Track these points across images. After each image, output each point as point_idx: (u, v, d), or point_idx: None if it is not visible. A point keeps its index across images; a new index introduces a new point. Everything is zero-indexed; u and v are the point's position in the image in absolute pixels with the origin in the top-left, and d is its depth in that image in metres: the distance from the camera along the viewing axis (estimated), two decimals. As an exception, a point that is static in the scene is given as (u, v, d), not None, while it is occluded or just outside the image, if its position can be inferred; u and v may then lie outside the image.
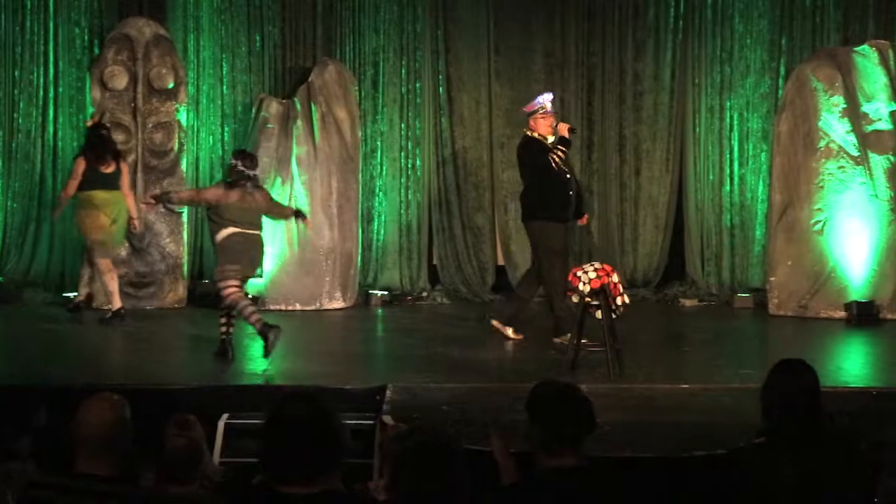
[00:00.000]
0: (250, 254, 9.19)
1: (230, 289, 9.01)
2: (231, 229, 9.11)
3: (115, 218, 10.98)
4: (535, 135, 10.05)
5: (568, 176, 10.03)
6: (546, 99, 10.15)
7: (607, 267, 8.88)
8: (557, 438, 4.20)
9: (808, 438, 4.53)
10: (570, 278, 8.88)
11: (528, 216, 10.18)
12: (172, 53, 12.00)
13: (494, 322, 10.21)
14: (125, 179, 11.12)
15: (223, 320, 9.21)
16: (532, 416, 4.29)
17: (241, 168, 9.14)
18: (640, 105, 13.07)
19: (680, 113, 13.04)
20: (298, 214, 9.82)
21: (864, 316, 11.26)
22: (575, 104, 13.02)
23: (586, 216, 10.70)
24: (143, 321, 11.14)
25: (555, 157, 9.93)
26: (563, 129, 10.06)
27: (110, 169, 10.98)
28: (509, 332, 10.10)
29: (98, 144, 10.99)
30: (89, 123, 11.48)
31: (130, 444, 4.15)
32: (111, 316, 10.78)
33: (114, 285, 10.90)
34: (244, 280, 9.25)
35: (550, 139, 10.01)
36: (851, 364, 10.03)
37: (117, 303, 10.85)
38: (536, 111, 10.06)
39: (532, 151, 10.09)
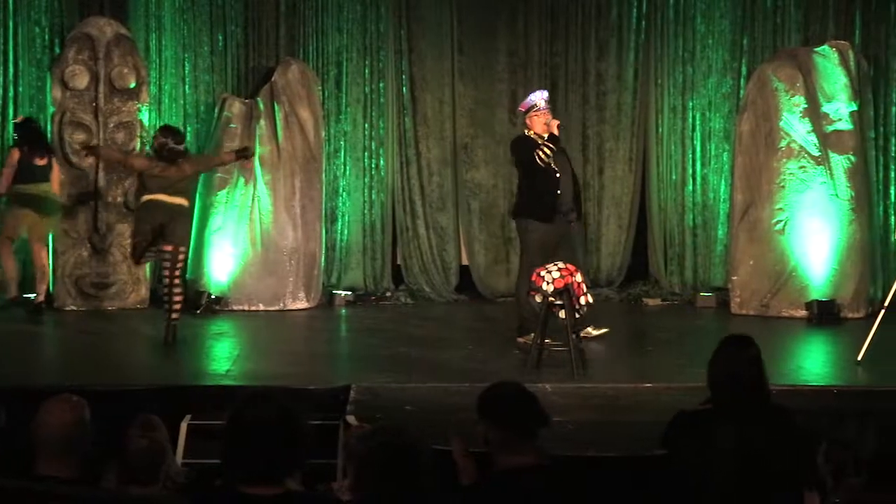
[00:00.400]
0: (158, 220, 9.26)
1: (136, 261, 9.22)
2: (145, 197, 9.23)
3: (46, 212, 11.14)
4: (531, 133, 10.04)
5: (557, 175, 9.94)
6: (538, 97, 10.15)
7: (571, 266, 8.90)
8: (513, 434, 4.23)
9: (750, 408, 4.70)
10: (533, 278, 8.90)
11: (514, 213, 10.35)
12: (134, 53, 11.93)
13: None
14: (56, 174, 11.27)
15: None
16: (483, 416, 4.32)
17: (173, 145, 9.20)
18: (603, 105, 13.10)
19: (643, 113, 13.08)
20: (240, 154, 9.88)
21: (824, 315, 11.33)
22: (538, 104, 13.03)
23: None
24: (104, 322, 11.09)
25: (541, 154, 9.85)
26: (554, 125, 10.02)
27: (43, 161, 11.13)
28: (591, 330, 10.07)
29: (33, 137, 11.20)
30: (18, 120, 11.51)
31: (91, 445, 4.13)
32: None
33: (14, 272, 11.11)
34: (159, 253, 9.36)
35: (547, 137, 9.99)
36: (812, 363, 10.10)
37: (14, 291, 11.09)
38: (530, 109, 10.07)
39: (518, 149, 10.14)
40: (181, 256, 9.76)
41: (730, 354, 4.89)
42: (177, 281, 9.65)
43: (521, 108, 10.31)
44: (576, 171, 10.61)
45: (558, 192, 9.94)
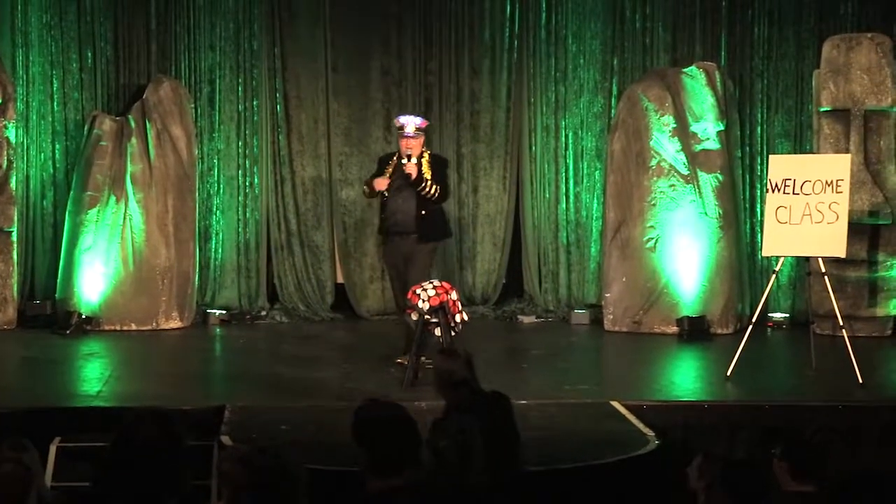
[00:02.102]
0: None
1: None
2: None
3: None
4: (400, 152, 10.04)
5: (386, 196, 9.91)
6: (406, 120, 10.06)
7: (446, 284, 8.95)
8: (386, 462, 4.22)
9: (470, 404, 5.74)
10: (409, 296, 8.91)
11: None
12: (0, 69, 11.70)
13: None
14: None
15: None
16: (358, 440, 4.31)
17: None
18: (477, 124, 13.19)
19: (516, 131, 13.20)
20: None
21: (695, 331, 11.53)
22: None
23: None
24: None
25: (388, 171, 9.93)
26: (411, 167, 9.81)
27: None
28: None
29: None
30: None
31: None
32: None
33: None
34: None
35: (404, 161, 9.86)
36: (683, 378, 10.27)
37: None
38: (399, 128, 10.07)
39: (377, 163, 10.33)
40: None
41: (445, 362, 6.21)
42: None
43: (395, 121, 10.36)
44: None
45: (393, 212, 9.90)
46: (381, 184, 9.94)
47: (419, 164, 9.84)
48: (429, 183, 9.84)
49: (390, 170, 9.97)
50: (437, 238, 10.16)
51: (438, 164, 10.11)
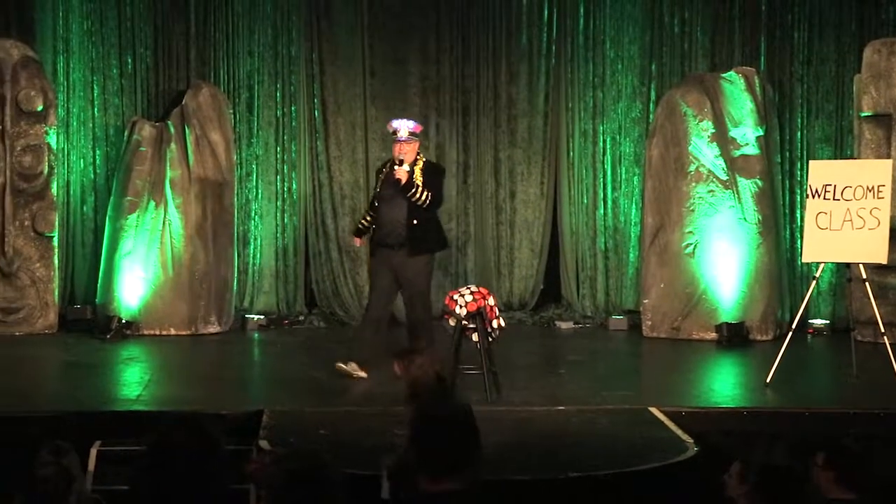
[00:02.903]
0: None
1: None
2: None
3: None
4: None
5: (376, 204, 9.57)
6: (399, 124, 9.57)
7: (483, 290, 8.92)
8: (440, 465, 4.18)
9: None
10: (447, 301, 8.90)
11: None
12: (41, 75, 11.78)
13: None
14: None
15: None
16: (415, 437, 4.25)
17: None
18: (514, 129, 13.18)
19: (554, 137, 13.18)
20: None
21: (734, 337, 11.47)
22: (450, 127, 13.09)
23: (359, 240, 10.06)
24: (12, 347, 10.91)
25: (380, 179, 9.59)
26: (402, 173, 9.35)
27: None
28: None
29: None
30: None
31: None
32: None
33: None
34: None
35: (397, 167, 9.44)
36: (722, 385, 10.21)
37: None
38: (393, 133, 9.60)
39: (376, 171, 10.04)
40: None
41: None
42: None
43: (388, 128, 9.83)
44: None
45: (379, 224, 9.51)
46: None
47: (411, 172, 9.38)
48: (419, 189, 9.34)
49: (382, 178, 9.59)
50: (429, 250, 9.56)
51: (433, 172, 9.61)
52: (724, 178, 11.73)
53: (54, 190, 11.83)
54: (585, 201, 13.11)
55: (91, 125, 12.54)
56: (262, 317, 12.49)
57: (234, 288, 12.28)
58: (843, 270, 10.88)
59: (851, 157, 11.81)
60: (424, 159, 9.65)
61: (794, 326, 9.74)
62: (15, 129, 11.62)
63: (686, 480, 6.89)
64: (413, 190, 9.34)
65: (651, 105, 12.82)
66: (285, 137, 12.85)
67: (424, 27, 13.04)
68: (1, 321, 11.54)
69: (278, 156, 12.85)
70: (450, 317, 8.82)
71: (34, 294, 11.66)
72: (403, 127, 9.50)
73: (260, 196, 12.82)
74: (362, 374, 9.40)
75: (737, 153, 11.79)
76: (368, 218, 9.77)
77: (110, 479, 6.69)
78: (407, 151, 9.43)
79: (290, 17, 12.80)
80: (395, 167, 9.40)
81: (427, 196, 9.36)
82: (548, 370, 10.58)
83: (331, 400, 8.70)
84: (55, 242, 11.84)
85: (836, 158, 12.23)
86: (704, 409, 8.46)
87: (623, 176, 13.05)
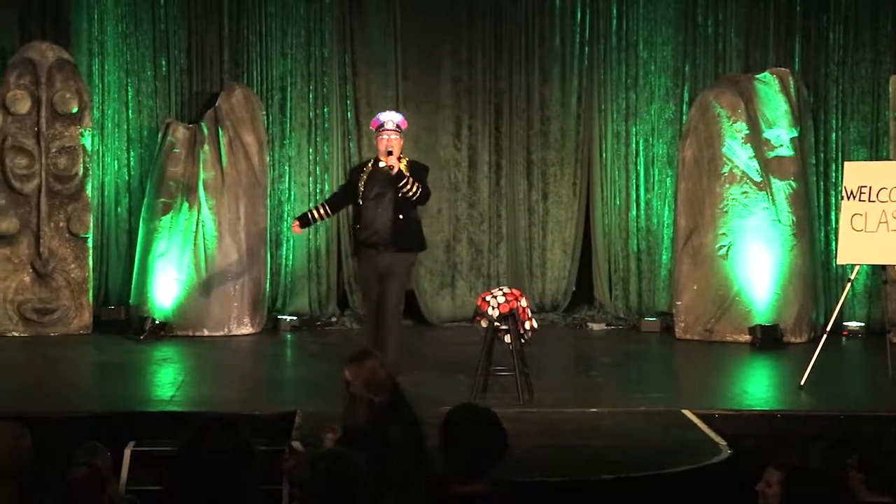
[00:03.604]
0: None
1: None
2: None
3: None
4: (374, 156, 9.44)
5: (360, 203, 9.32)
6: (387, 116, 9.38)
7: (516, 291, 8.91)
8: (467, 466, 4.20)
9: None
10: (479, 303, 8.89)
11: None
12: (76, 77, 11.86)
13: None
14: None
15: None
16: (443, 441, 4.28)
17: None
18: (547, 130, 13.16)
19: (587, 138, 13.15)
20: None
21: (767, 339, 11.41)
22: (482, 129, 13.08)
23: (299, 228, 9.67)
24: (47, 348, 10.97)
25: (363, 178, 9.34)
26: (383, 154, 9.14)
27: None
28: None
29: None
30: None
31: (31, 472, 4.08)
32: None
33: None
34: None
35: (382, 163, 9.23)
36: (756, 387, 10.17)
37: None
38: (378, 128, 9.33)
39: (349, 173, 9.79)
40: None
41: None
42: None
43: (372, 126, 9.64)
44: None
45: (364, 224, 9.30)
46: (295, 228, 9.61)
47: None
48: (410, 180, 9.12)
49: (364, 177, 9.32)
50: (415, 248, 9.44)
51: (418, 170, 9.36)
52: (758, 179, 11.68)
53: (89, 191, 11.91)
54: (618, 203, 13.08)
55: (125, 127, 12.61)
56: (294, 318, 12.52)
57: (267, 289, 12.31)
58: (879, 272, 10.82)
59: (887, 159, 11.73)
60: (408, 159, 9.45)
61: (828, 329, 9.67)
62: (50, 131, 11.70)
63: (719, 483, 6.86)
64: (405, 180, 9.12)
65: (684, 106, 12.77)
66: (318, 139, 12.88)
67: (457, 29, 13.03)
68: (36, 322, 11.62)
69: (311, 157, 12.88)
70: (482, 318, 8.82)
71: (69, 295, 11.73)
72: (390, 119, 9.33)
73: (293, 197, 12.85)
74: None
75: (771, 154, 11.73)
76: (321, 211, 9.57)
77: (144, 480, 6.73)
78: (395, 144, 9.21)
79: (323, 19, 12.83)
80: (385, 158, 9.13)
81: (417, 189, 9.16)
82: (580, 372, 10.56)
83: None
84: (90, 244, 11.91)
85: (871, 160, 12.15)
86: (738, 412, 8.42)
87: (656, 177, 13.00)
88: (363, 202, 9.31)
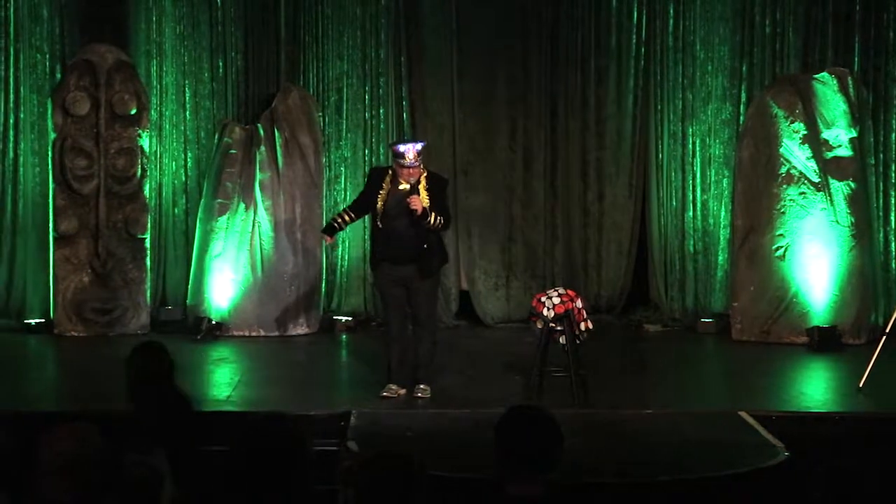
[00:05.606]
0: None
1: None
2: None
3: None
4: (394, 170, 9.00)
5: (379, 217, 8.99)
6: (408, 148, 8.93)
7: (571, 292, 8.91)
8: (523, 468, 4.19)
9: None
10: (533, 303, 8.89)
11: None
12: (135, 79, 11.96)
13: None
14: None
15: None
16: (500, 442, 4.26)
17: None
18: (602, 131, 13.11)
19: (643, 139, 13.09)
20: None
21: (825, 341, 11.31)
22: (538, 130, 13.05)
23: (330, 238, 9.66)
24: (106, 348, 11.07)
25: (381, 194, 8.94)
26: (416, 202, 8.76)
27: None
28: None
29: None
30: None
31: (95, 472, 4.12)
32: None
33: None
34: None
35: (402, 185, 8.86)
36: (813, 389, 10.10)
37: None
38: (397, 157, 8.92)
39: (369, 176, 9.58)
40: None
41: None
42: None
43: (392, 149, 9.33)
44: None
45: (384, 244, 9.00)
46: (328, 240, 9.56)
47: (417, 191, 8.83)
48: (433, 215, 8.80)
49: (383, 194, 8.97)
50: (437, 269, 9.17)
51: (437, 187, 8.99)
52: (816, 180, 11.58)
53: (147, 192, 12.01)
54: (674, 203, 13.01)
55: (183, 128, 12.71)
56: (349, 318, 12.55)
57: (323, 290, 12.36)
58: (939, 274, 10.71)
59: (947, 159, 11.61)
60: (426, 173, 9.03)
61: (887, 330, 9.57)
62: (109, 133, 11.81)
63: (776, 485, 6.82)
64: (427, 219, 8.81)
65: (741, 107, 12.68)
66: (373, 140, 12.91)
67: (512, 30, 13.01)
68: (95, 322, 11.72)
69: (366, 158, 12.90)
70: (537, 319, 8.82)
71: (127, 295, 11.83)
72: (411, 150, 8.87)
73: (348, 198, 12.85)
74: (402, 391, 9.01)
75: (829, 155, 11.63)
76: (346, 218, 9.32)
77: (200, 480, 6.76)
78: (414, 175, 8.86)
79: (379, 20, 12.85)
80: (407, 193, 8.82)
81: (439, 221, 8.85)
82: (636, 373, 10.52)
83: (416, 401, 8.72)
84: (147, 244, 12.00)
85: (931, 160, 12.03)
86: (795, 414, 8.37)
87: (712, 178, 12.92)
88: (382, 225, 8.98)
